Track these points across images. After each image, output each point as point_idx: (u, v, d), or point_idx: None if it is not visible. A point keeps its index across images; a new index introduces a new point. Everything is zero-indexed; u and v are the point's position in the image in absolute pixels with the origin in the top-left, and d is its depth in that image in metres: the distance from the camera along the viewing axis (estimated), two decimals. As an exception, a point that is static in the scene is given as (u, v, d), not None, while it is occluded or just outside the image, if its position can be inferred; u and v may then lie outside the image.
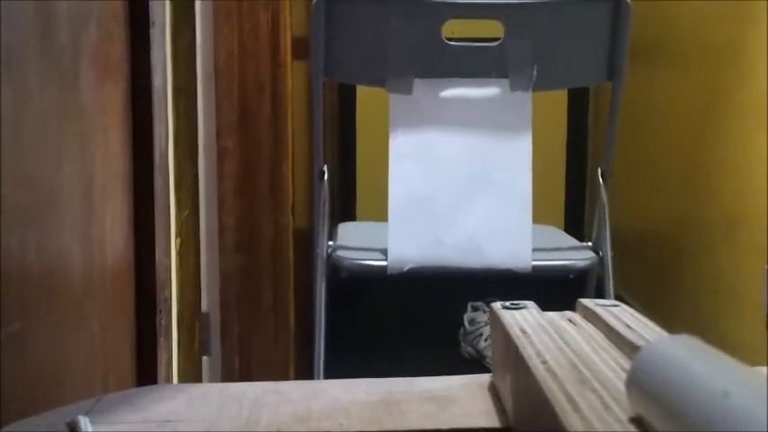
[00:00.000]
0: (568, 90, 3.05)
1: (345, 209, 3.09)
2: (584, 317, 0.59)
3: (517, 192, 1.56)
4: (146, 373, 0.94)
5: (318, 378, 1.59)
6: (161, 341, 0.94)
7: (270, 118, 1.70)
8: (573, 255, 1.63)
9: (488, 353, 2.31)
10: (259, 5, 1.66)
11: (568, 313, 0.61)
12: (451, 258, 1.53)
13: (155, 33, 0.92)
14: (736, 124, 1.94)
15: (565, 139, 3.23)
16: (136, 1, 0.89)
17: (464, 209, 1.56)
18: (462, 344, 2.42)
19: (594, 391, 0.42)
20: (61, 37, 0.72)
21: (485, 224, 1.55)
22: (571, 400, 0.41)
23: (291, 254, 1.80)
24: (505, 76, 1.54)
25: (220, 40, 1.63)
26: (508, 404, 0.56)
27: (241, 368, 1.76)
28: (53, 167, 0.71)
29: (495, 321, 0.60)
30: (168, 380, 1.05)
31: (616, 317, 0.56)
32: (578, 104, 3.16)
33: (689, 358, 0.37)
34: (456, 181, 1.57)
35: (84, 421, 0.54)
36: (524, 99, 1.56)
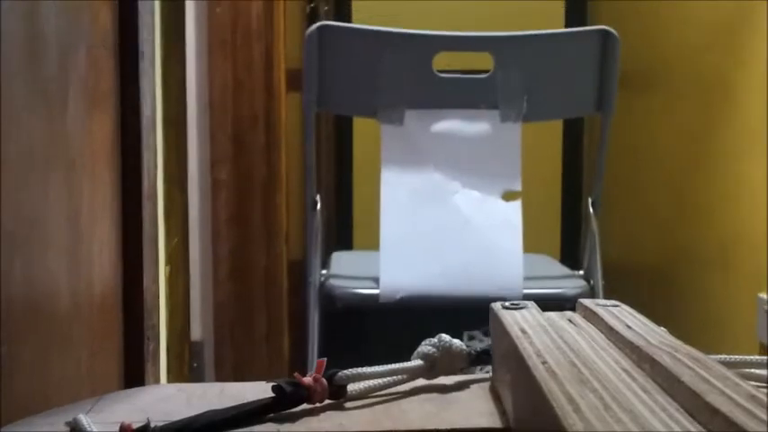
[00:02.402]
0: (563, 122, 3.07)
1: (342, 239, 3.10)
2: (585, 317, 0.59)
3: (508, 222, 1.57)
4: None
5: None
6: (148, 367, 0.95)
7: (263, 149, 1.72)
8: (564, 283, 1.64)
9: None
10: (253, 38, 1.69)
11: (568, 313, 0.61)
12: (443, 288, 1.55)
13: (144, 65, 0.94)
14: (727, 154, 1.95)
15: (560, 170, 3.25)
16: (125, 32, 0.91)
17: (455, 239, 1.57)
18: (458, 373, 2.43)
19: (594, 391, 0.42)
20: (49, 63, 0.74)
21: (476, 254, 1.57)
22: (571, 401, 0.41)
23: (285, 283, 1.82)
24: (496, 108, 1.56)
25: (214, 72, 1.66)
26: (508, 404, 0.56)
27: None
28: (39, 193, 0.73)
29: (496, 321, 0.60)
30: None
31: (616, 317, 0.56)
32: (573, 136, 3.18)
33: None
34: (447, 210, 1.59)
35: (85, 420, 0.54)
36: (514, 130, 1.58)
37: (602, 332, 0.55)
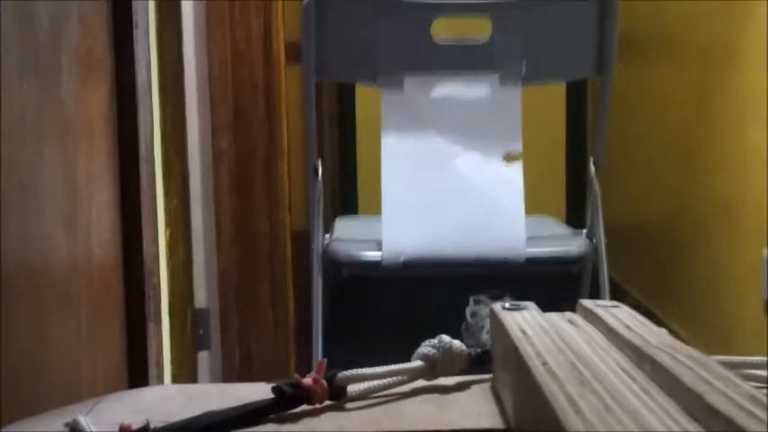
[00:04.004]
0: (566, 84, 3.07)
1: (347, 206, 3.12)
2: (585, 318, 0.59)
3: (509, 183, 1.59)
4: (136, 357, 0.97)
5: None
6: (150, 326, 0.97)
7: (263, 118, 1.73)
8: (567, 242, 1.66)
9: (490, 343, 2.35)
10: (251, 10, 1.70)
11: (569, 314, 0.61)
12: (446, 250, 1.56)
13: (138, 33, 0.95)
14: (731, 116, 1.96)
15: (564, 133, 3.26)
16: (119, 1, 0.92)
17: (457, 201, 1.59)
18: (465, 336, 2.46)
19: (595, 392, 0.42)
20: (41, 32, 0.75)
21: (478, 216, 1.58)
22: (571, 401, 0.41)
23: (289, 251, 1.84)
24: (495, 72, 1.57)
25: (213, 44, 1.67)
26: (508, 405, 0.56)
27: (241, 362, 1.80)
28: (34, 159, 0.75)
29: (496, 322, 0.60)
30: (159, 365, 1.08)
31: (616, 318, 0.56)
32: (576, 98, 3.19)
33: None
34: (448, 174, 1.60)
35: (85, 421, 0.53)
36: (514, 93, 1.58)
37: (602, 333, 0.55)
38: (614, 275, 2.65)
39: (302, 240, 1.99)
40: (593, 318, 0.58)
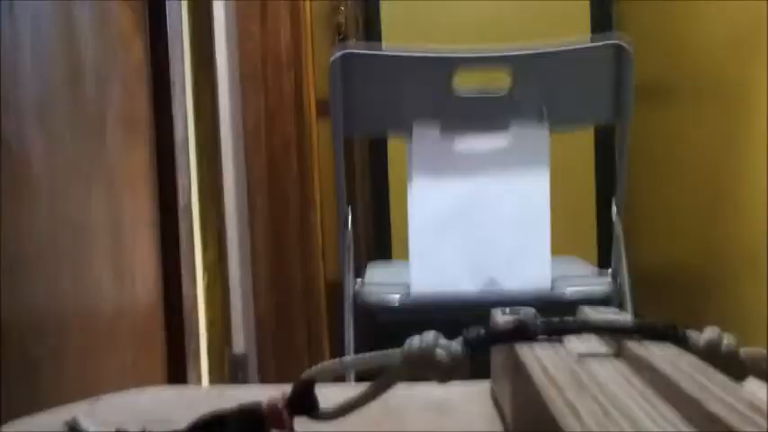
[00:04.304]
0: (594, 130, 3.13)
1: (380, 252, 3.19)
2: None
3: (535, 222, 1.64)
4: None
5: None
6: (190, 365, 1.04)
7: (296, 173, 1.81)
8: (592, 282, 1.70)
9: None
10: (283, 68, 1.79)
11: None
12: (471, 290, 1.62)
13: (175, 91, 1.04)
14: (754, 156, 2.01)
15: (593, 177, 3.32)
16: (157, 63, 1.01)
17: (483, 241, 1.65)
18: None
19: (594, 397, 0.42)
20: (88, 89, 0.83)
21: (504, 257, 1.64)
22: (570, 406, 0.41)
23: (323, 298, 1.90)
24: (516, 120, 1.64)
25: (247, 101, 1.76)
26: (507, 410, 0.55)
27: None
28: (83, 206, 0.82)
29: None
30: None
31: None
32: (604, 142, 3.24)
33: None
34: (474, 217, 1.66)
35: (84, 420, 0.53)
36: (539, 138, 1.64)
37: (601, 339, 0.54)
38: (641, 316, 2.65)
39: (337, 290, 2.05)
40: None
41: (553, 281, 1.63)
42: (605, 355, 0.52)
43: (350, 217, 1.73)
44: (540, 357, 0.49)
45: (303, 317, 1.86)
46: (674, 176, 2.72)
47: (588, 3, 3.26)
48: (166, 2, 0.98)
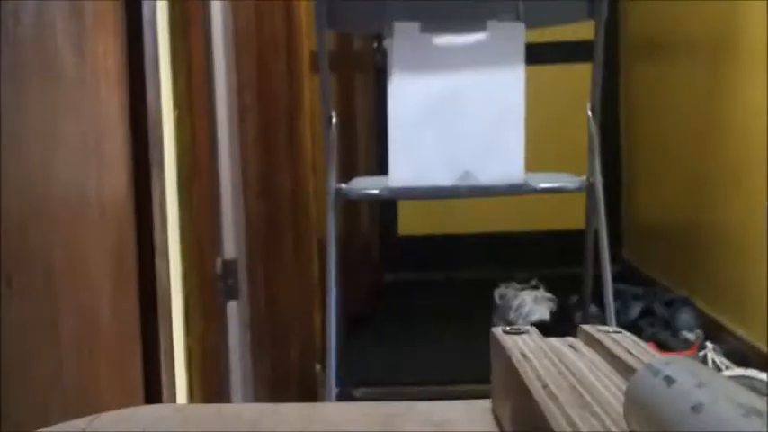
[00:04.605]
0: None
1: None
2: (586, 342, 0.59)
3: (510, 119, 1.68)
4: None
5: (329, 318, 1.70)
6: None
7: (285, 75, 1.86)
8: (565, 179, 1.74)
9: (516, 321, 2.47)
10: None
11: (570, 339, 0.61)
12: (449, 177, 1.66)
13: None
14: (737, 100, 2.07)
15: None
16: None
17: (460, 134, 1.69)
18: (494, 317, 2.54)
19: (595, 414, 0.42)
20: None
21: (480, 150, 1.68)
22: (572, 424, 0.41)
23: (313, 206, 1.94)
24: (494, 15, 1.67)
25: (238, 7, 1.81)
26: (508, 428, 0.55)
27: (266, 310, 1.90)
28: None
29: (496, 346, 0.60)
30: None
31: (617, 343, 0.56)
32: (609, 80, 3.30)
33: (677, 377, 0.37)
34: (452, 109, 1.70)
35: None
36: (516, 34, 1.68)
37: (603, 357, 0.55)
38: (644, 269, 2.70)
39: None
40: (594, 342, 0.58)
41: (527, 176, 1.67)
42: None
43: (334, 117, 1.77)
44: (540, 375, 0.50)
45: (291, 223, 1.90)
46: (672, 126, 2.75)
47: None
48: None
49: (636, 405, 0.39)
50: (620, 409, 0.42)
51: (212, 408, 0.65)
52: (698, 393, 0.34)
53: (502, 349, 0.57)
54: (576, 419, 0.41)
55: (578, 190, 1.69)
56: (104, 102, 1.03)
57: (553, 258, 3.06)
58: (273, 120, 1.86)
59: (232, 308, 1.89)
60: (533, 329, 0.61)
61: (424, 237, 3.67)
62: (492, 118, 1.69)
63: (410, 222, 3.66)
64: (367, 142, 2.76)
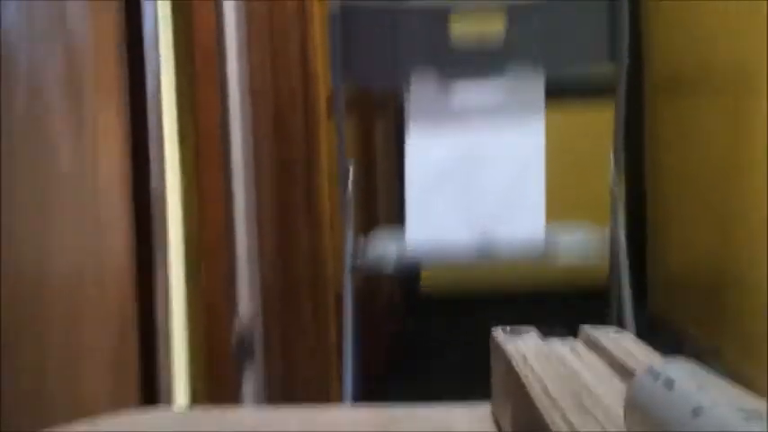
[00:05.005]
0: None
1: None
2: (586, 345, 0.59)
3: (531, 174, 1.63)
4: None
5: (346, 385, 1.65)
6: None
7: (302, 130, 1.82)
8: (585, 238, 1.68)
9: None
10: (288, 29, 1.81)
11: (570, 341, 0.61)
12: (467, 241, 1.61)
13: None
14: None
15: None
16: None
17: (479, 194, 1.64)
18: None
19: (595, 418, 0.42)
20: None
21: (500, 207, 1.63)
22: (571, 427, 0.40)
23: (330, 260, 1.89)
24: (514, 64, 1.63)
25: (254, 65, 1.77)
26: (508, 431, 0.55)
27: (283, 369, 1.84)
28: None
29: (496, 348, 0.60)
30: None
31: (618, 344, 0.56)
32: (633, 132, 3.26)
33: (677, 380, 0.37)
34: (472, 169, 1.65)
35: None
36: (534, 85, 1.63)
37: (603, 360, 0.55)
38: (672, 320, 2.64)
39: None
40: (594, 345, 0.58)
41: (547, 230, 1.62)
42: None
43: (351, 174, 1.73)
44: (540, 377, 0.49)
45: (309, 281, 1.85)
46: (695, 162, 2.71)
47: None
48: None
49: (636, 408, 0.39)
50: (620, 412, 0.42)
51: (215, 411, 0.64)
52: (698, 396, 0.34)
53: (502, 351, 0.57)
54: (576, 423, 0.41)
55: (598, 256, 1.63)
56: (105, 177, 0.99)
57: (581, 315, 2.98)
58: (290, 176, 1.81)
59: (247, 371, 1.84)
60: (534, 331, 0.61)
61: (449, 292, 3.61)
62: (512, 172, 1.65)
63: (433, 277, 3.61)
64: (389, 185, 2.72)
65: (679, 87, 2.95)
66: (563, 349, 0.57)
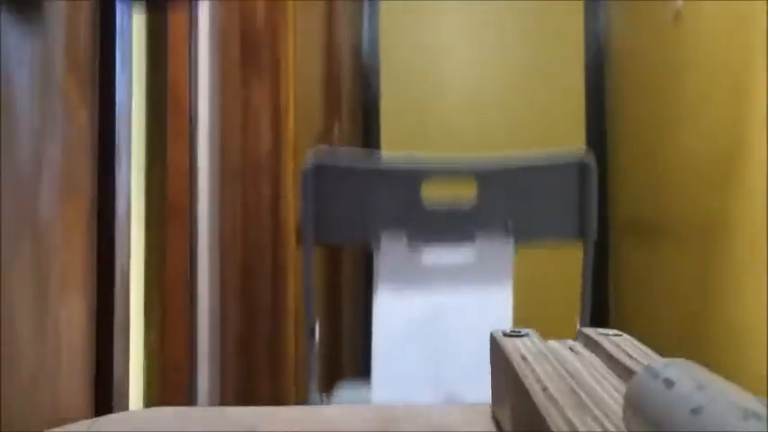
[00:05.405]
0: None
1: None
2: (586, 345, 0.59)
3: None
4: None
5: None
6: None
7: (269, 276, 1.82)
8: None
9: None
10: (262, 174, 1.83)
11: (569, 341, 0.61)
12: (431, 398, 1.60)
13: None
14: (728, 283, 2.03)
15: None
16: (103, 130, 1.03)
17: (446, 356, 1.63)
18: None
19: (595, 417, 0.42)
20: (23, 148, 0.86)
21: (467, 370, 1.62)
22: (571, 426, 0.41)
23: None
24: (483, 231, 1.65)
25: (224, 203, 1.78)
26: (508, 430, 0.55)
27: None
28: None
29: (496, 348, 0.60)
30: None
31: (617, 345, 0.56)
32: (597, 273, 3.30)
33: (677, 379, 0.37)
34: (439, 331, 1.65)
35: None
36: (504, 252, 1.65)
37: (602, 360, 0.55)
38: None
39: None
40: (593, 345, 0.58)
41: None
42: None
43: (317, 328, 1.72)
44: (540, 377, 0.49)
45: None
46: (659, 308, 2.74)
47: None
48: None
49: (635, 408, 0.38)
50: (620, 412, 0.42)
51: (213, 410, 0.64)
52: (697, 396, 0.34)
53: (502, 352, 0.57)
54: (576, 422, 0.41)
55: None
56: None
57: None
58: (255, 326, 1.80)
59: None
60: (533, 332, 0.61)
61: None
62: (479, 337, 1.65)
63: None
64: (353, 333, 2.71)
65: (642, 231, 3.02)
66: (562, 349, 0.57)
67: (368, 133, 3.35)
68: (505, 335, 0.61)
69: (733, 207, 2.04)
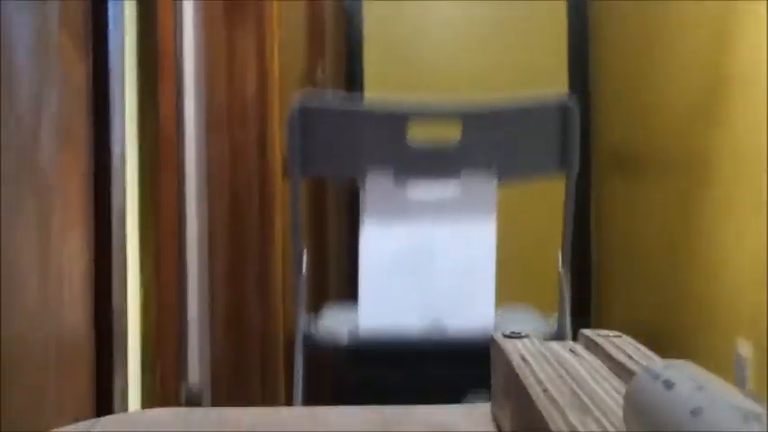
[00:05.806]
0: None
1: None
2: (586, 347, 0.59)
3: (481, 270, 1.72)
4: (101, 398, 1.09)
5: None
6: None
7: (257, 207, 1.89)
8: (534, 326, 1.77)
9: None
10: (248, 118, 1.88)
11: (570, 343, 0.61)
12: (416, 328, 1.69)
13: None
14: (707, 224, 2.11)
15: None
16: (97, 81, 1.08)
17: (431, 286, 1.72)
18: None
19: (595, 419, 0.42)
20: (22, 101, 0.92)
21: (451, 299, 1.72)
22: (571, 427, 0.41)
23: (281, 340, 1.96)
24: (467, 169, 1.72)
25: (211, 147, 1.84)
26: (508, 431, 0.55)
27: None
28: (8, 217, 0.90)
29: (497, 350, 0.60)
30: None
31: (617, 347, 0.56)
32: (579, 208, 3.34)
33: (677, 381, 0.38)
34: (424, 263, 1.74)
35: None
36: (487, 188, 1.72)
37: (603, 362, 0.55)
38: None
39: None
40: (594, 347, 0.58)
41: (496, 324, 1.70)
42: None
43: (305, 258, 1.80)
44: (540, 378, 0.50)
45: (259, 357, 1.92)
46: (642, 241, 2.81)
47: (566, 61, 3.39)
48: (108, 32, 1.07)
49: (635, 409, 0.39)
50: (620, 413, 0.42)
51: (213, 411, 0.65)
52: (697, 397, 0.35)
53: (502, 353, 0.57)
54: (576, 423, 0.41)
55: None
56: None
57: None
58: (244, 253, 1.88)
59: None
60: (534, 334, 0.61)
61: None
62: (462, 269, 1.73)
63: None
64: (339, 261, 2.79)
65: (624, 166, 3.08)
66: (563, 351, 0.58)
67: (351, 75, 3.38)
68: (506, 336, 0.61)
69: (714, 142, 2.11)
